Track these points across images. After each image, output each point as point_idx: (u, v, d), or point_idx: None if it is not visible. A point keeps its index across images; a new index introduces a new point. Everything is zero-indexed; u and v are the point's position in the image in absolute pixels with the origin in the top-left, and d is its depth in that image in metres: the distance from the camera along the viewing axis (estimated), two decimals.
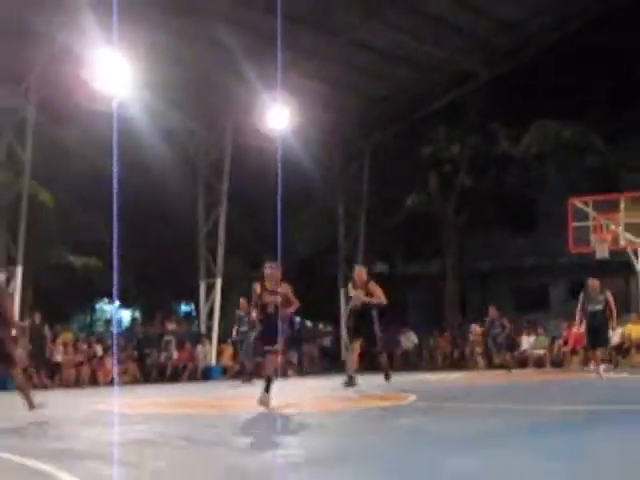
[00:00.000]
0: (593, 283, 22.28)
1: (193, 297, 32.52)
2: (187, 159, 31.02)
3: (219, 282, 30.93)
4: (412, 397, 16.58)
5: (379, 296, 17.76)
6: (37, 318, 26.22)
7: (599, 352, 22.66)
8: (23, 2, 23.29)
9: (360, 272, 18.36)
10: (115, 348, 28.28)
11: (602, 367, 21.94)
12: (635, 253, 28.76)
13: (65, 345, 26.83)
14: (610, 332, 23.41)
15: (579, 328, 24.17)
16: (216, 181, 31.05)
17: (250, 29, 26.74)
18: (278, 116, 27.25)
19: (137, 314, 34.10)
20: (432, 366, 31.11)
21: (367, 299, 17.71)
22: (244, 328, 25.17)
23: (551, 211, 33.54)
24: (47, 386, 24.55)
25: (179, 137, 30.11)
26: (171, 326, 31.48)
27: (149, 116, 26.63)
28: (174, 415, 14.78)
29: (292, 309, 14.99)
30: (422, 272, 39.38)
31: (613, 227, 28.86)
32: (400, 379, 22.63)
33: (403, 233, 39.25)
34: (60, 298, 31.63)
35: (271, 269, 14.84)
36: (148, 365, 28.42)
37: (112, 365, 27.08)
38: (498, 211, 38.09)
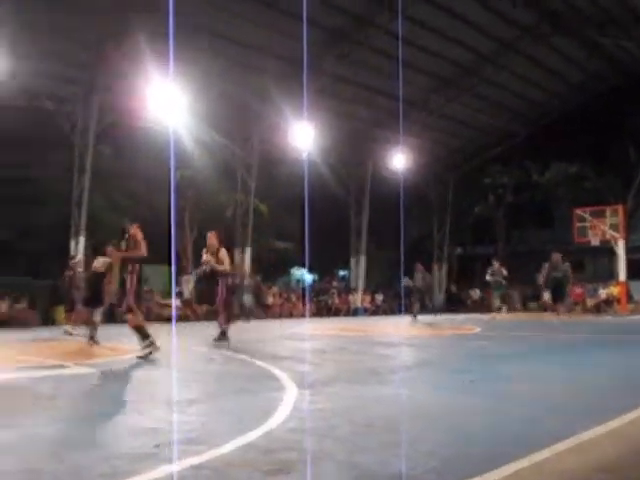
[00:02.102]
0: (556, 256, 20.12)
1: (348, 266, 32.66)
2: (343, 184, 31.15)
3: (363, 257, 31.10)
4: (478, 329, 16.50)
5: (224, 264, 11.51)
6: (259, 278, 26.80)
7: (559, 304, 21.05)
8: (255, 98, 23.84)
9: (211, 237, 11.72)
10: (303, 296, 28.75)
11: (561, 310, 20.85)
12: (615, 242, 28.01)
13: (274, 294, 27.34)
14: (567, 291, 21.75)
15: (544, 289, 22.40)
16: (361, 197, 31.18)
17: (381, 109, 26.91)
18: (399, 159, 27.23)
19: (316, 276, 34.32)
20: (489, 310, 30.61)
21: (215, 266, 11.41)
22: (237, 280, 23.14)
23: (563, 216, 32.81)
24: (263, 317, 25.05)
25: (339, 172, 30.26)
26: (335, 283, 31.76)
27: (323, 160, 26.92)
28: (337, 335, 14.92)
29: (138, 253, 9.03)
30: (483, 253, 38.65)
31: (601, 226, 28.12)
32: (473, 317, 22.41)
33: (472, 229, 38.92)
34: (271, 266, 32.13)
35: (130, 227, 9.33)
36: (322, 306, 28.72)
37: (301, 305, 27.52)
38: (530, 216, 37.64)
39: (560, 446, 3.91)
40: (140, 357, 8.62)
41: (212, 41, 20.98)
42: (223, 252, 11.55)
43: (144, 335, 8.88)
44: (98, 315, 10.99)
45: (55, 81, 20.51)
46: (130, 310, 8.98)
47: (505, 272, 22.92)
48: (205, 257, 11.62)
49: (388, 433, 4.34)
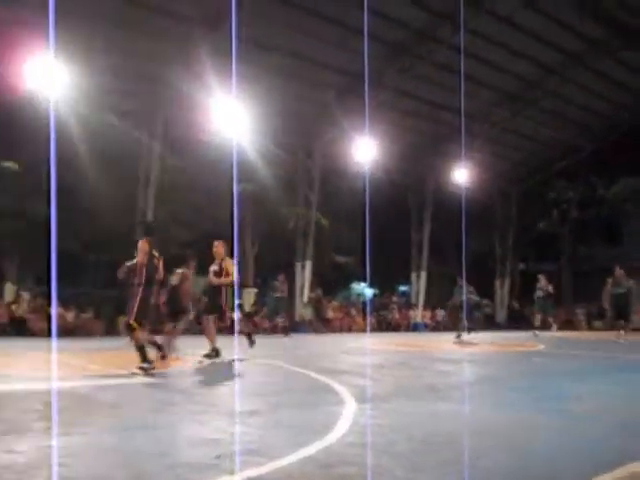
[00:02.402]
0: (619, 272, 18.69)
1: (408, 281, 32.47)
2: (404, 198, 31.02)
3: (424, 273, 30.88)
4: (541, 346, 16.21)
5: (228, 274, 11.01)
6: (319, 292, 26.86)
7: (621, 324, 18.96)
8: (317, 112, 24.07)
9: (217, 246, 11.27)
10: (363, 310, 28.68)
11: (622, 333, 18.57)
12: None
13: (333, 308, 27.36)
14: (632, 309, 19.53)
15: (606, 305, 20.94)
16: (422, 211, 30.95)
17: (443, 123, 26.81)
18: (461, 174, 26.94)
19: (376, 291, 34.21)
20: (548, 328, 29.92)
21: (214, 280, 11.09)
22: (278, 294, 21.87)
23: (631, 232, 32.06)
24: (322, 331, 25.06)
25: (400, 188, 30.20)
26: (395, 298, 31.61)
27: (384, 174, 26.94)
28: (396, 350, 14.85)
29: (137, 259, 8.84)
30: (546, 269, 38.00)
31: None
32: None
33: (535, 245, 38.28)
34: (331, 280, 32.15)
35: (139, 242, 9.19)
36: (382, 321, 28.60)
37: (360, 320, 27.44)
38: (597, 232, 36.81)
39: (628, 467, 3.84)
40: (134, 372, 8.33)
41: (274, 56, 21.22)
42: (228, 262, 11.15)
43: (144, 357, 8.55)
44: (182, 325, 11.53)
45: (121, 96, 21.02)
46: (133, 327, 8.58)
47: (551, 289, 22.01)
48: (213, 267, 11.22)
49: (447, 450, 4.33)
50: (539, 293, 22.03)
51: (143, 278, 8.70)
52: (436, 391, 7.41)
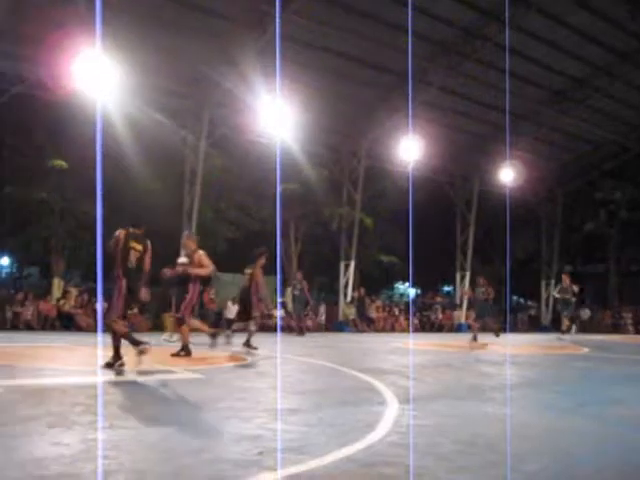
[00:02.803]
0: None
1: (452, 282, 32.21)
2: (449, 198, 30.69)
3: (468, 274, 30.56)
4: (586, 349, 15.97)
5: (205, 265, 10.31)
6: (362, 291, 26.76)
7: None
8: (361, 111, 24.07)
9: (186, 238, 10.83)
10: (406, 310, 28.58)
11: None
12: None
13: (377, 307, 27.28)
14: None
15: None
16: (467, 212, 30.66)
17: (488, 122, 26.49)
18: (507, 173, 26.65)
19: (419, 291, 34.02)
20: (599, 330, 29.40)
21: (183, 269, 10.41)
22: (297, 292, 21.29)
23: None
24: (366, 331, 25.03)
25: (445, 187, 29.96)
26: (438, 299, 31.41)
27: (429, 173, 26.80)
28: (439, 351, 14.75)
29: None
30: (593, 271, 37.38)
31: None
32: (580, 338, 21.57)
33: (582, 246, 37.67)
34: (374, 280, 32.08)
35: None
36: (424, 321, 28.45)
37: (403, 320, 27.35)
38: None
39: None
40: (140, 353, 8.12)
41: (318, 56, 21.20)
42: (200, 254, 10.45)
43: (134, 342, 8.21)
44: (252, 325, 11.80)
45: (168, 95, 21.20)
46: (114, 321, 8.18)
47: (576, 289, 20.96)
48: (181, 259, 10.80)
49: (490, 452, 4.28)
50: (567, 296, 21.04)
51: (120, 269, 8.24)
52: (480, 392, 7.35)
